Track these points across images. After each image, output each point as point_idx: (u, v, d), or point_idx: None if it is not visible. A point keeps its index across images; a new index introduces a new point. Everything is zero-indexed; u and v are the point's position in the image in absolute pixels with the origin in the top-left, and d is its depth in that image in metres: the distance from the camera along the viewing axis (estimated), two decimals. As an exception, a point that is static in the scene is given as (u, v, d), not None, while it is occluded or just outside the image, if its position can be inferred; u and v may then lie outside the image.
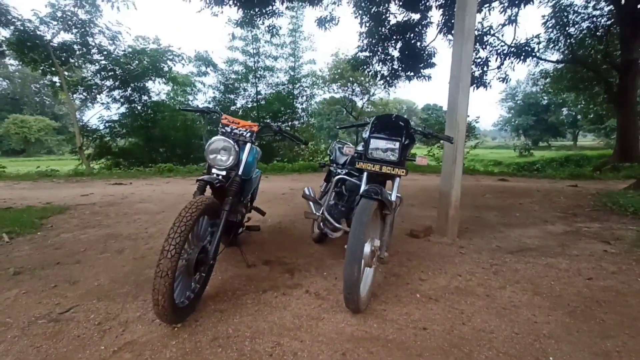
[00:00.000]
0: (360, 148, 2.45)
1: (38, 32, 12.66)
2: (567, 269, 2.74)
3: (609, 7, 12.68)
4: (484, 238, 3.63)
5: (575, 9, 13.82)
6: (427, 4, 11.40)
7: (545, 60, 14.98)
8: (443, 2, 11.32)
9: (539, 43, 13.61)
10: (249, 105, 20.03)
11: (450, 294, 2.32)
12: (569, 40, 13.96)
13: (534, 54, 13.48)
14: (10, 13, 11.56)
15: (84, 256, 2.94)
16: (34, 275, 2.55)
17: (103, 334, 1.81)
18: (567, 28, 13.85)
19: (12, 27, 11.89)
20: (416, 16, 11.81)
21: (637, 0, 9.15)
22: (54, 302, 2.14)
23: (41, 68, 13.50)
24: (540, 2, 13.72)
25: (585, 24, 13.85)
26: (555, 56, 15.10)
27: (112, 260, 2.85)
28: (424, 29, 12.10)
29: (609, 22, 13.05)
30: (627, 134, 11.61)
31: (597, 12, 13.62)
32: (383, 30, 11.87)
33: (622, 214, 4.56)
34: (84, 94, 15.29)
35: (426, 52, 12.36)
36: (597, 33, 13.50)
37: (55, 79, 14.41)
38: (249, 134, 2.34)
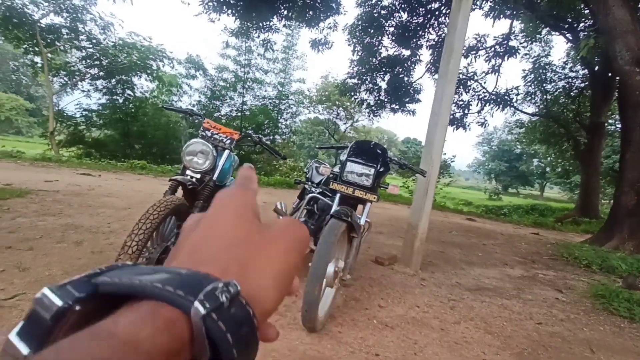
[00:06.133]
0: (336, 169, 2.50)
1: (26, 10, 12.33)
2: (519, 312, 2.84)
3: (584, 71, 13.65)
4: (446, 273, 3.72)
5: (554, 68, 14.84)
6: (418, 42, 11.95)
7: (521, 111, 15.86)
8: (433, 43, 11.89)
9: (517, 94, 14.45)
10: (233, 114, 20.03)
11: (407, 323, 2.35)
12: (545, 96, 14.88)
13: (512, 104, 14.25)
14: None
15: (38, 243, 2.81)
16: (-20, 257, 2.41)
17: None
18: (544, 84, 14.80)
19: (-1, 1, 11.52)
20: (407, 52, 12.34)
21: (609, 68, 9.87)
22: (-3, 288, 2.03)
23: (24, 46, 13.10)
24: (522, 57, 14.65)
25: (561, 83, 14.84)
26: (531, 109, 16.03)
27: (68, 251, 2.73)
28: (413, 65, 12.65)
29: (582, 85, 14.02)
30: (589, 192, 12.21)
31: (573, 74, 14.66)
32: (373, 61, 12.30)
33: (577, 265, 4.78)
34: (65, 78, 14.87)
35: (413, 88, 12.85)
36: (571, 93, 14.46)
37: (37, 59, 13.98)
38: (228, 141, 2.35)
